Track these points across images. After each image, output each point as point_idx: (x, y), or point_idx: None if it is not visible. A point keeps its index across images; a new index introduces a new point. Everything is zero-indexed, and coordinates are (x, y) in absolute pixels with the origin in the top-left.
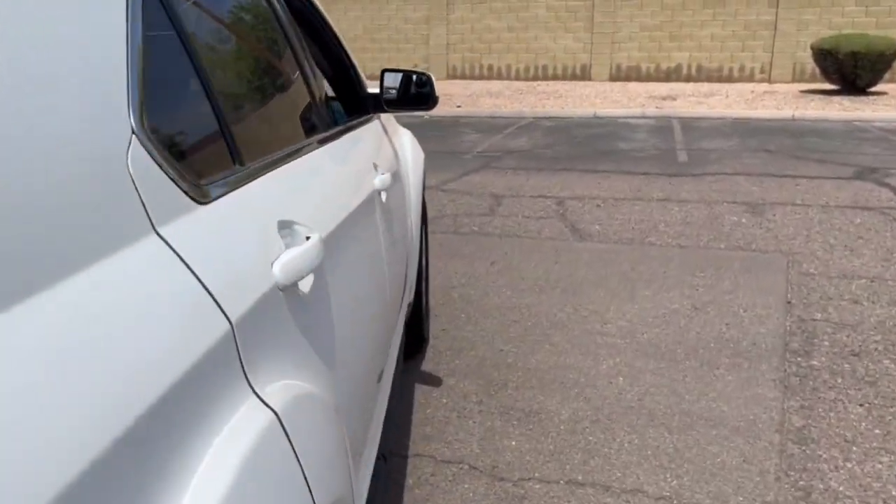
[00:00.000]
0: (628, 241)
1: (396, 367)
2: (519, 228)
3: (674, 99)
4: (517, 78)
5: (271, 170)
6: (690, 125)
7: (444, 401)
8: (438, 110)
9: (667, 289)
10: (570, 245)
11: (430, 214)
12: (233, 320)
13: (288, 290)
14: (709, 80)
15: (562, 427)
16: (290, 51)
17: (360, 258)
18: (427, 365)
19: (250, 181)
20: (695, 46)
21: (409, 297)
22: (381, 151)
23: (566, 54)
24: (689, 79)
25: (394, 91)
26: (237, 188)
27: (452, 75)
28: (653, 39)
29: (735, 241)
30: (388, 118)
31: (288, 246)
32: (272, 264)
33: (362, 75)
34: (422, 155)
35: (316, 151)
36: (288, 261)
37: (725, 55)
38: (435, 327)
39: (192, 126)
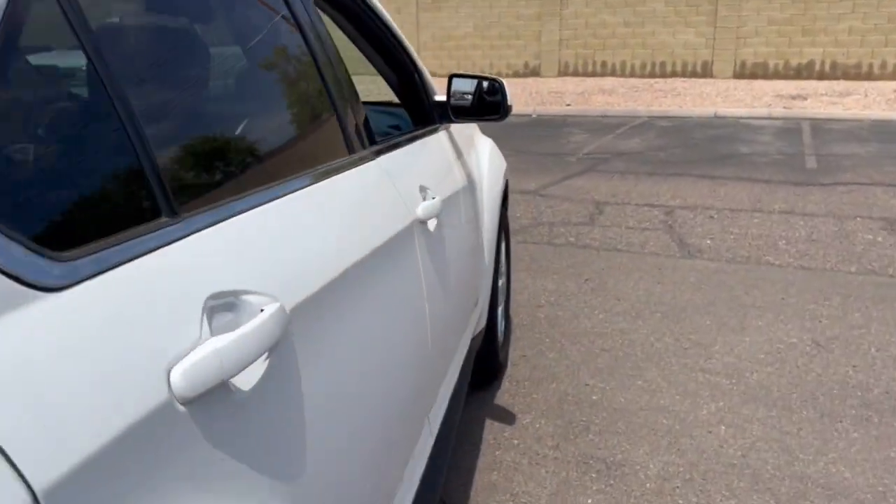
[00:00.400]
0: (743, 260)
1: (453, 411)
2: (620, 241)
3: (804, 98)
4: (632, 75)
5: (230, 217)
6: (822, 127)
7: (516, 442)
8: (547, 108)
9: (784, 319)
10: (676, 262)
11: (524, 222)
12: (38, 489)
13: (203, 399)
14: (845, 77)
15: (648, 485)
16: (300, 52)
17: (377, 308)
18: (502, 397)
19: (181, 238)
20: (830, 41)
21: (481, 323)
22: (440, 169)
23: (686, 50)
24: (822, 76)
25: (469, 97)
26: (153, 251)
27: (564, 72)
28: (782, 34)
29: (868, 264)
30: (466, 125)
31: (217, 331)
32: (169, 371)
33: (429, 81)
34: (503, 166)
35: (322, 183)
36: (202, 358)
37: (865, 51)
38: (514, 353)
39: (82, 167)
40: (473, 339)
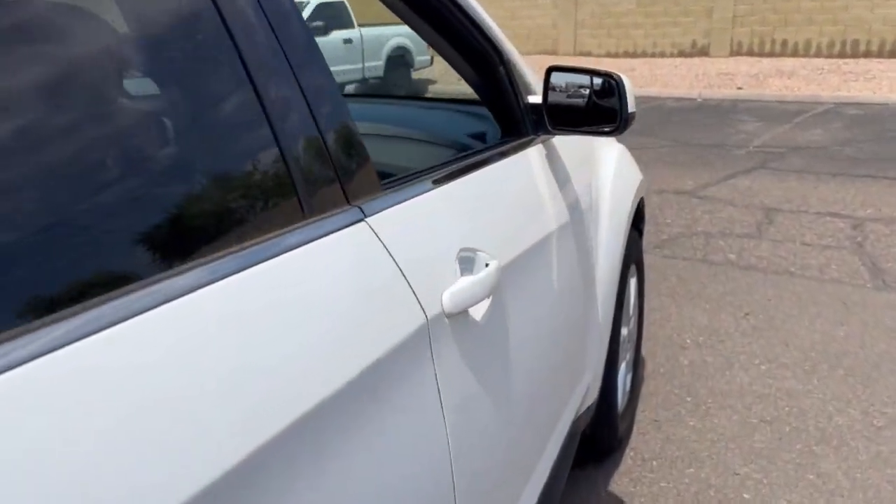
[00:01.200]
0: None
1: None
2: (793, 261)
3: None
4: (817, 55)
5: None
6: None
7: None
8: (714, 93)
9: None
10: (867, 295)
11: (675, 230)
12: None
13: None
14: None
15: None
16: (214, 56)
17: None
18: (619, 480)
19: None
20: None
21: (590, 396)
22: (519, 208)
23: (885, 26)
24: None
25: (585, 92)
26: None
27: (737, 52)
28: None
29: None
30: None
31: None
32: None
33: (523, 76)
34: (636, 182)
35: (199, 294)
36: None
37: None
38: (643, 413)
39: None
40: (577, 420)
